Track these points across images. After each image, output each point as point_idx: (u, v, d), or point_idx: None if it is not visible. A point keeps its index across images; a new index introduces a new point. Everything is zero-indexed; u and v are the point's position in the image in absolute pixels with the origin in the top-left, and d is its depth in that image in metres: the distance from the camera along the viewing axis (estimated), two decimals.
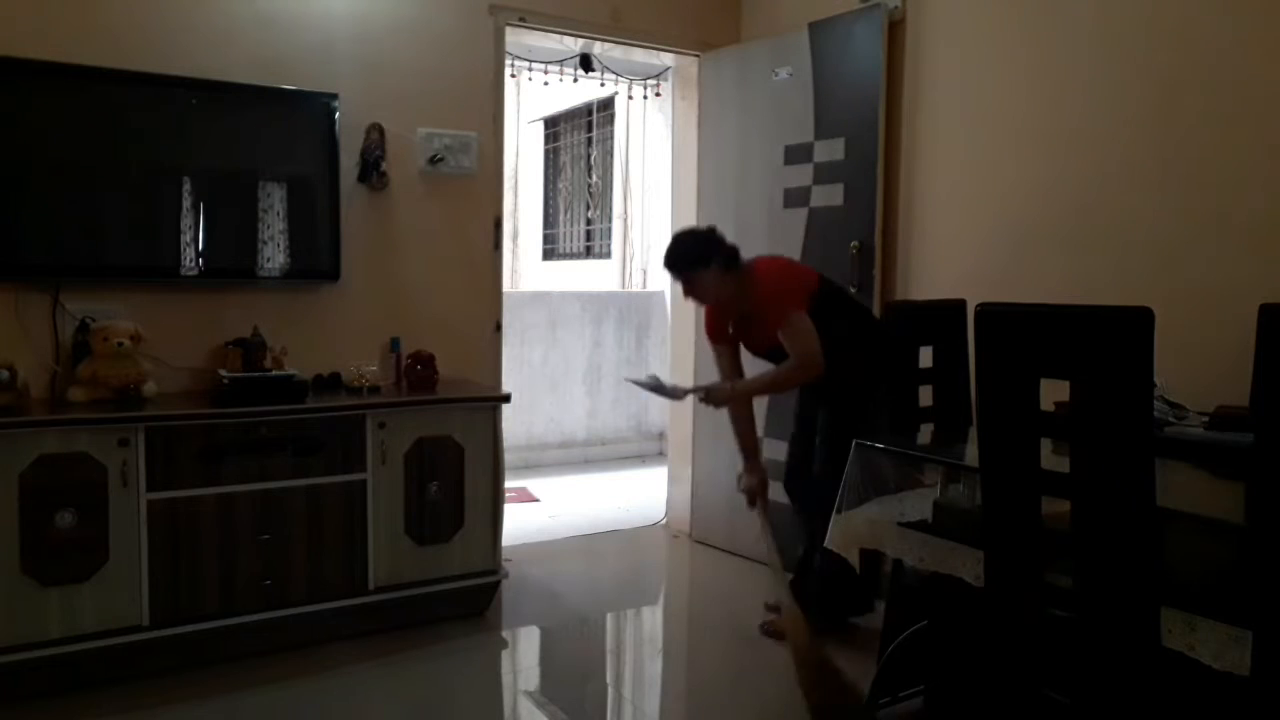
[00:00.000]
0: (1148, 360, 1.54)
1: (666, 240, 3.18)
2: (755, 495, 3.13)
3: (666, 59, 4.56)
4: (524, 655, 3.23)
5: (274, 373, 3.08)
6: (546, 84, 5.74)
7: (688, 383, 3.82)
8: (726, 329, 3.18)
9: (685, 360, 4.38)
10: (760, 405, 3.51)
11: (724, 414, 3.24)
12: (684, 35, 4.25)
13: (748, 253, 3.10)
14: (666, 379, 3.31)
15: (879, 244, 3.54)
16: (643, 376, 3.15)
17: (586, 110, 7.83)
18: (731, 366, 3.20)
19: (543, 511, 4.91)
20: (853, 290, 3.53)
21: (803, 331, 2.87)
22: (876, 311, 3.48)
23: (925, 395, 2.68)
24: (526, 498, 5.16)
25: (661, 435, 6.13)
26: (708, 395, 3.07)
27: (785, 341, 2.89)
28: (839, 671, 2.61)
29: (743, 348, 3.22)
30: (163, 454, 2.78)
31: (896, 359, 2.68)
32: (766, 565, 2.98)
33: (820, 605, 3.14)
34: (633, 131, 7.18)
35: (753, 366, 3.25)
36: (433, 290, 3.66)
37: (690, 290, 3.02)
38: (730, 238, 3.07)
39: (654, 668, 3.24)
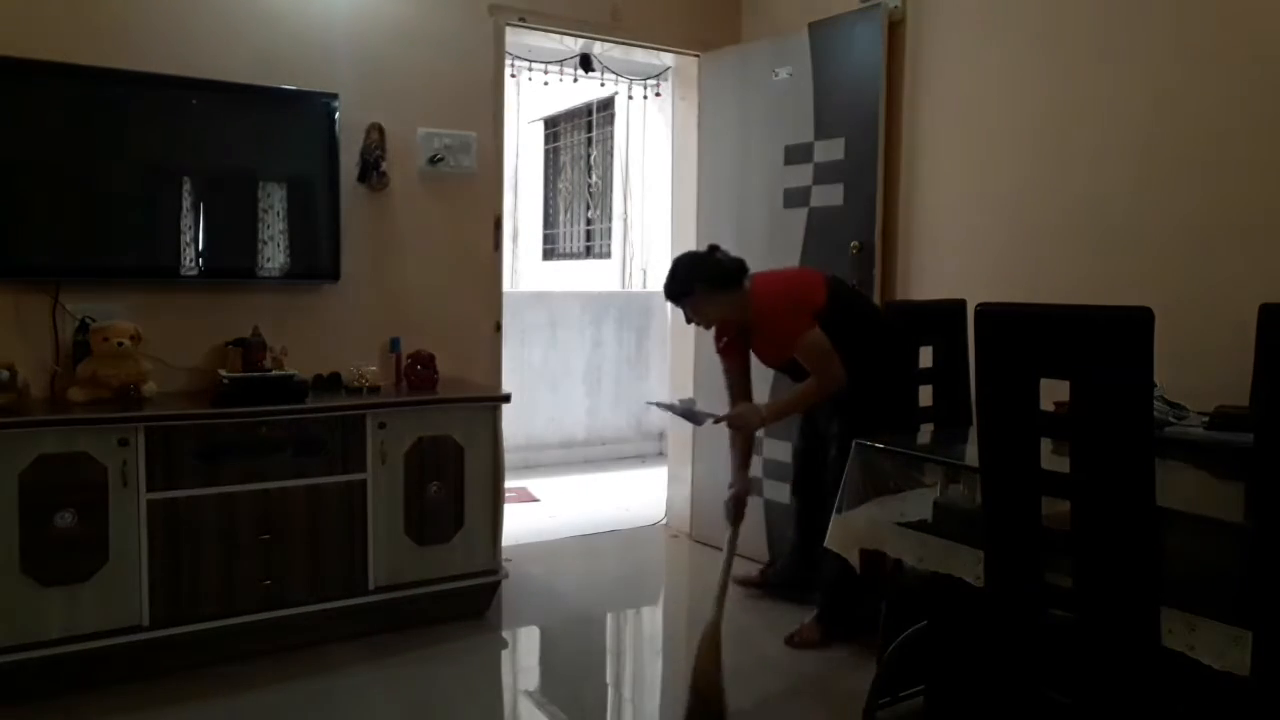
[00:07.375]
0: (1148, 360, 1.54)
1: (667, 245, 3.17)
2: (739, 506, 3.04)
3: (666, 59, 4.56)
4: (524, 655, 3.23)
5: (274, 373, 3.08)
6: (546, 84, 5.74)
7: (710, 404, 3.59)
8: (734, 347, 3.11)
9: (685, 361, 4.37)
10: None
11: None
12: (684, 35, 4.25)
13: (748, 254, 3.07)
14: (696, 403, 3.23)
15: (879, 244, 3.54)
16: (672, 400, 3.06)
17: (586, 110, 7.83)
18: (740, 382, 3.14)
19: (543, 511, 4.91)
20: (854, 284, 3.53)
21: (818, 352, 2.85)
22: None
23: (925, 395, 2.68)
24: (526, 498, 5.16)
25: (661, 435, 6.12)
26: (738, 420, 3.00)
27: (804, 364, 2.89)
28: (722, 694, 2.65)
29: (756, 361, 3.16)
30: (163, 454, 2.78)
31: (906, 360, 2.68)
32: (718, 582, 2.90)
33: (830, 613, 3.17)
34: (633, 131, 7.18)
35: (761, 378, 3.24)
36: (432, 290, 3.66)
37: (691, 318, 3.01)
38: (730, 238, 3.05)
39: (654, 668, 3.24)
